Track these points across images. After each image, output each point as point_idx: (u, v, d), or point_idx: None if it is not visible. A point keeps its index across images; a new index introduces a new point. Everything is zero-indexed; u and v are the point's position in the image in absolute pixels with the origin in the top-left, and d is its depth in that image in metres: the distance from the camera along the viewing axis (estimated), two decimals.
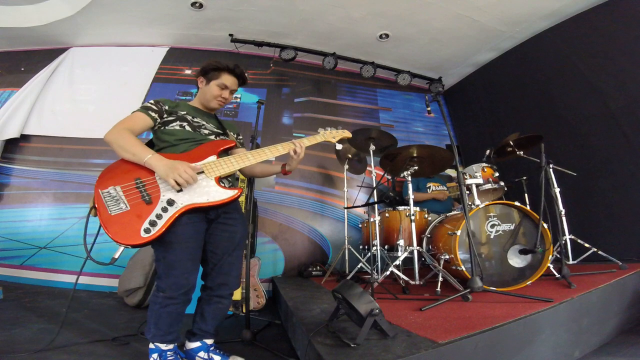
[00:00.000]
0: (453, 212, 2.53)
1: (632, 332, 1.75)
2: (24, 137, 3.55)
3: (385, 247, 2.58)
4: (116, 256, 1.22)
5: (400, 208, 2.61)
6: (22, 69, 3.86)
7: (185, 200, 1.26)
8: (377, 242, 2.46)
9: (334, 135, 1.74)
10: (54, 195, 3.39)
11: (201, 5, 3.47)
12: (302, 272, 3.23)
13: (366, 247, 2.83)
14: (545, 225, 1.97)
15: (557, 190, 2.54)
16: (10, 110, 3.50)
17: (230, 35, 3.91)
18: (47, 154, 3.52)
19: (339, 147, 1.78)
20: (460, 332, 1.15)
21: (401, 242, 2.44)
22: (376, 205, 2.62)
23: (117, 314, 2.34)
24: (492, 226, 2.11)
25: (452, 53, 4.13)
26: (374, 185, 2.66)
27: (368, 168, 2.97)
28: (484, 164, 2.48)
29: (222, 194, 1.33)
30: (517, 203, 2.11)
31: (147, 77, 3.92)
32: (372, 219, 2.65)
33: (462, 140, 4.63)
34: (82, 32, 3.83)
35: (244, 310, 1.97)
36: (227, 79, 1.54)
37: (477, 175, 2.39)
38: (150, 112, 1.41)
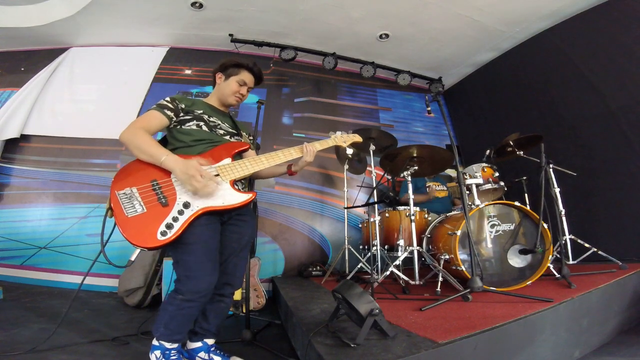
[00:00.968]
0: (453, 212, 2.53)
1: (632, 332, 1.75)
2: (24, 137, 3.54)
3: (385, 247, 2.58)
4: (132, 258, 1.23)
5: (400, 208, 2.61)
6: (22, 69, 3.86)
7: (201, 203, 1.26)
8: (377, 242, 2.46)
9: (344, 140, 1.75)
10: (54, 195, 3.39)
11: (201, 5, 3.47)
12: (302, 272, 3.23)
13: (366, 247, 2.83)
14: (545, 225, 1.97)
15: (557, 190, 2.54)
16: (10, 110, 3.50)
17: (230, 35, 3.91)
18: (47, 154, 3.51)
19: (349, 151, 1.79)
20: (460, 332, 1.15)
21: (401, 242, 2.44)
22: (376, 205, 2.62)
23: (117, 314, 2.34)
24: (492, 226, 2.11)
25: (452, 53, 4.13)
26: (374, 185, 2.66)
27: (368, 168, 2.97)
28: (484, 164, 2.48)
29: (237, 198, 1.33)
30: (517, 203, 2.11)
31: (147, 77, 3.92)
32: (372, 219, 2.65)
33: (462, 140, 4.63)
34: (82, 32, 3.83)
35: (244, 310, 1.97)
36: (246, 76, 1.56)
37: (477, 175, 2.39)
38: (166, 111, 1.39)
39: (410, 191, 2.41)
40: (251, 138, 1.71)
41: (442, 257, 2.13)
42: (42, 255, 3.17)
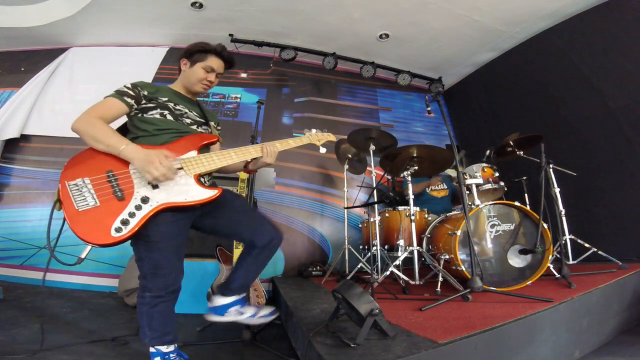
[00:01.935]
0: (453, 212, 2.53)
1: (632, 332, 1.75)
2: (24, 137, 3.54)
3: (385, 247, 2.58)
4: (82, 256, 1.14)
5: (400, 208, 2.61)
6: (22, 69, 3.86)
7: (162, 198, 1.17)
8: (377, 242, 2.46)
9: (319, 138, 1.73)
10: (53, 195, 3.38)
11: (201, 5, 3.47)
12: (302, 272, 3.22)
13: (366, 247, 2.83)
14: (545, 225, 1.97)
15: (557, 190, 2.54)
16: (10, 110, 3.50)
17: (230, 35, 3.91)
18: (47, 154, 3.51)
19: (322, 150, 1.75)
20: (460, 332, 1.15)
21: (401, 242, 2.44)
22: (376, 205, 2.62)
23: (117, 314, 2.33)
24: (492, 226, 2.11)
25: (452, 53, 4.13)
26: (374, 185, 2.66)
27: (368, 168, 2.97)
28: (484, 164, 2.48)
29: (202, 194, 1.24)
30: (517, 203, 2.11)
31: (147, 77, 3.92)
32: (372, 219, 2.65)
33: (462, 140, 4.63)
34: (82, 32, 3.83)
35: None
36: (214, 62, 1.46)
37: (477, 175, 2.39)
38: (125, 98, 1.29)
39: (410, 191, 2.41)
40: (219, 128, 1.62)
41: (442, 257, 2.13)
42: (42, 255, 3.16)
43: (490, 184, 2.40)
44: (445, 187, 3.35)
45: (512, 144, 2.61)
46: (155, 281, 1.20)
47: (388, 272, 2.15)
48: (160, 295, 1.20)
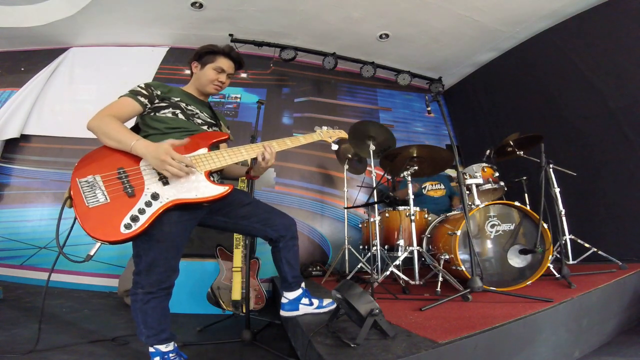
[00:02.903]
0: (453, 212, 2.53)
1: (632, 332, 1.75)
2: (24, 137, 3.55)
3: (385, 247, 2.58)
4: (92, 253, 1.13)
5: (400, 208, 2.61)
6: (22, 69, 3.86)
7: (172, 195, 1.17)
8: (377, 242, 2.46)
9: (330, 135, 1.73)
10: (54, 195, 3.39)
11: (201, 5, 3.47)
12: (302, 272, 3.21)
13: (366, 247, 2.83)
14: (545, 225, 1.97)
15: (557, 190, 2.53)
16: (10, 110, 3.50)
17: (230, 35, 3.91)
18: (47, 154, 3.52)
19: (334, 147, 1.76)
20: (460, 332, 1.15)
21: (401, 242, 2.44)
22: (376, 205, 2.62)
23: (117, 314, 2.34)
24: (492, 226, 2.10)
25: (452, 53, 4.13)
26: (374, 185, 2.66)
27: (368, 168, 2.97)
28: (484, 164, 2.48)
29: (212, 190, 1.24)
30: (517, 203, 2.11)
31: (147, 77, 3.91)
32: (372, 219, 2.65)
33: (462, 140, 4.63)
34: (82, 32, 3.83)
35: (244, 310, 1.97)
36: (224, 62, 1.49)
37: (477, 175, 2.39)
38: (139, 98, 1.32)
39: (410, 191, 2.41)
40: (228, 131, 1.62)
41: (442, 257, 2.13)
42: (42, 255, 3.17)
43: (490, 184, 2.40)
44: (443, 187, 3.35)
45: (512, 144, 2.61)
46: (149, 278, 1.20)
47: (388, 272, 2.15)
48: (152, 291, 1.20)
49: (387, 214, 2.65)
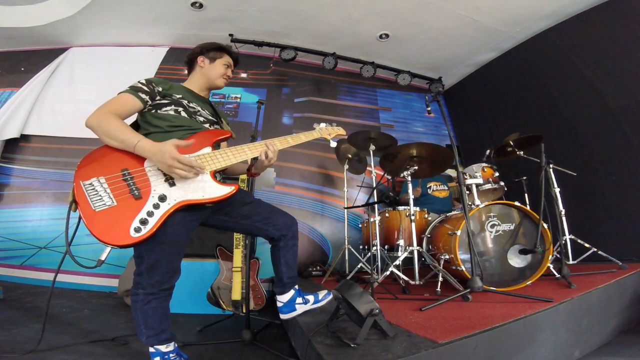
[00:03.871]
0: (453, 212, 2.53)
1: (632, 332, 1.75)
2: (24, 137, 3.54)
3: (385, 247, 2.58)
4: (103, 258, 1.11)
5: (400, 208, 2.61)
6: (22, 69, 3.86)
7: (179, 196, 1.15)
8: (377, 242, 2.46)
9: (330, 132, 1.73)
10: (54, 195, 3.39)
11: (201, 5, 3.47)
12: (302, 272, 3.22)
13: (366, 247, 2.83)
14: (545, 225, 1.97)
15: (557, 190, 2.53)
16: (10, 110, 3.50)
17: (230, 35, 3.91)
18: (47, 154, 3.52)
19: (333, 144, 1.76)
20: (460, 332, 1.15)
21: (401, 242, 2.44)
22: (376, 205, 2.62)
23: (117, 314, 2.33)
24: (492, 226, 2.11)
25: (452, 53, 4.13)
26: (374, 185, 2.66)
27: (368, 168, 2.97)
28: (484, 164, 2.48)
29: (219, 190, 1.23)
30: (517, 203, 2.11)
31: (147, 77, 3.92)
32: (372, 219, 2.65)
33: (462, 140, 4.63)
34: (82, 32, 3.83)
35: (244, 310, 1.97)
36: (229, 59, 1.57)
37: (477, 175, 2.39)
38: (140, 94, 1.28)
39: (410, 191, 2.41)
40: (229, 128, 1.64)
41: (442, 257, 2.13)
42: (42, 255, 3.17)
43: (490, 184, 2.40)
44: (446, 187, 3.35)
45: (512, 144, 2.60)
46: (150, 278, 1.20)
47: (388, 272, 2.15)
48: (153, 292, 1.20)
49: (387, 214, 2.65)
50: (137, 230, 1.05)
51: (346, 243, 3.03)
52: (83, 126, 1.19)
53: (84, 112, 1.19)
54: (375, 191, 2.55)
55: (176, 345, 1.31)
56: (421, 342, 1.10)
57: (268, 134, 3.96)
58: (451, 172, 4.09)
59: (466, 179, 2.36)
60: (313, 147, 3.99)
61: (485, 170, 2.45)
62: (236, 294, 2.30)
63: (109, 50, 4.04)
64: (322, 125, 1.74)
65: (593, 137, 3.04)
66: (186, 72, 1.63)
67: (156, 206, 1.11)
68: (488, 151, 2.69)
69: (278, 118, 4.15)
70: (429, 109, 2.01)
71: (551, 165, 2.55)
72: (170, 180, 1.18)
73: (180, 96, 1.39)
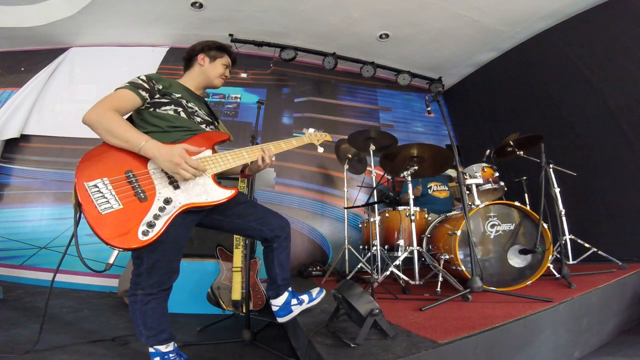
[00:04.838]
0: (453, 212, 2.53)
1: (632, 332, 1.75)
2: (24, 137, 3.54)
3: (385, 247, 2.58)
4: (111, 261, 1.09)
5: (400, 208, 2.61)
6: (22, 69, 3.86)
7: (184, 199, 1.15)
8: (377, 242, 2.46)
9: (317, 138, 1.76)
10: (54, 195, 3.39)
11: (201, 5, 3.47)
12: (302, 272, 3.22)
13: (366, 247, 2.83)
14: (545, 225, 1.97)
15: (557, 190, 2.53)
16: (10, 110, 3.50)
17: (230, 35, 3.91)
18: (47, 154, 3.52)
19: (320, 150, 1.79)
20: (460, 332, 1.15)
21: (401, 242, 2.44)
22: (376, 205, 2.62)
23: (117, 314, 2.33)
24: (492, 226, 2.11)
25: (452, 53, 4.13)
26: (374, 185, 2.66)
27: (368, 168, 2.97)
28: (484, 164, 2.48)
29: (221, 194, 1.23)
30: (517, 203, 2.11)
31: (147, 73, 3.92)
32: (372, 219, 2.65)
33: (462, 140, 4.63)
34: (82, 32, 3.83)
35: (244, 310, 1.97)
36: (228, 60, 1.56)
37: (477, 175, 2.39)
38: (140, 91, 1.25)
39: (410, 191, 2.41)
40: (225, 129, 1.64)
41: (442, 257, 2.13)
42: (42, 255, 3.17)
43: (490, 184, 2.40)
44: (447, 188, 3.35)
45: (512, 144, 2.61)
46: (150, 279, 1.19)
47: (388, 272, 2.15)
48: (152, 292, 1.20)
49: (387, 214, 2.65)
50: (145, 233, 1.05)
51: (346, 243, 3.03)
52: (83, 126, 1.17)
53: (84, 112, 1.18)
54: (375, 191, 2.55)
55: (176, 345, 1.31)
56: (421, 342, 1.10)
57: (268, 134, 3.97)
58: (451, 172, 4.09)
59: (466, 179, 2.36)
60: (313, 147, 3.96)
61: (485, 170, 2.45)
62: (236, 294, 2.29)
63: (109, 50, 4.04)
64: (311, 130, 1.77)
65: (593, 137, 3.04)
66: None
67: (162, 209, 1.10)
68: (488, 151, 2.69)
69: (278, 118, 4.15)
70: (429, 109, 2.01)
71: (551, 165, 2.55)
72: (174, 183, 1.17)
73: (180, 95, 1.38)
